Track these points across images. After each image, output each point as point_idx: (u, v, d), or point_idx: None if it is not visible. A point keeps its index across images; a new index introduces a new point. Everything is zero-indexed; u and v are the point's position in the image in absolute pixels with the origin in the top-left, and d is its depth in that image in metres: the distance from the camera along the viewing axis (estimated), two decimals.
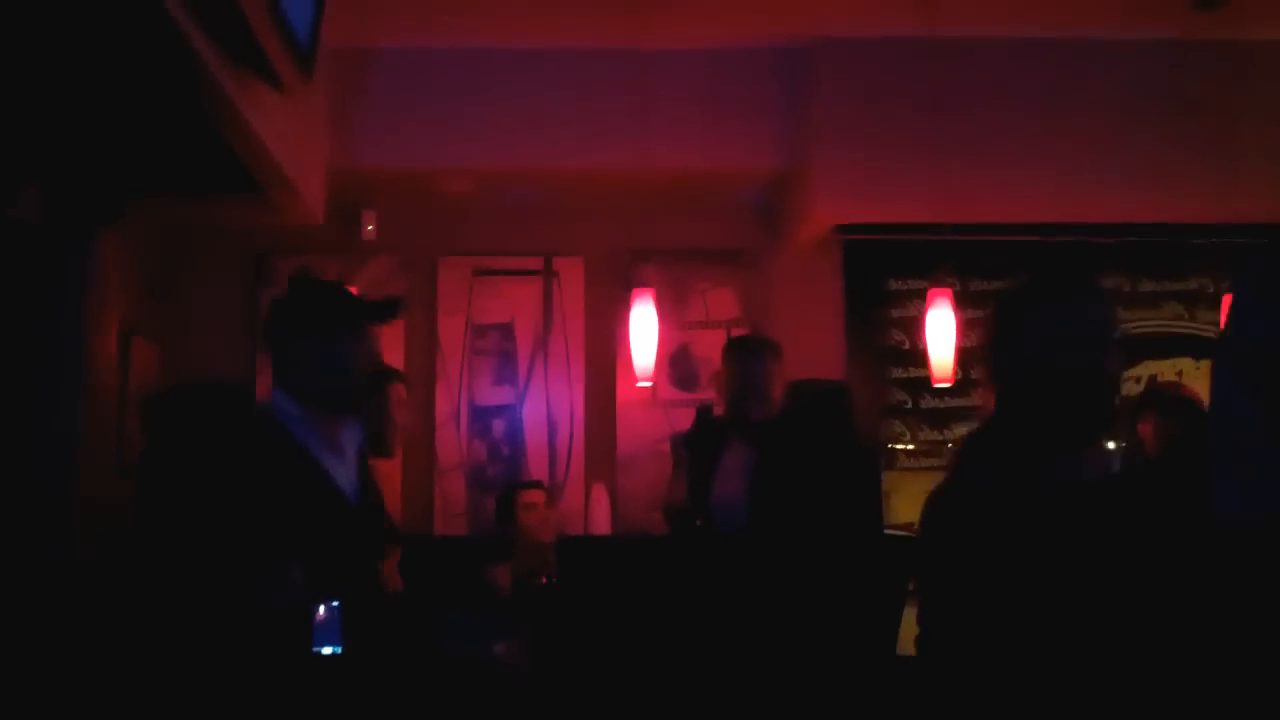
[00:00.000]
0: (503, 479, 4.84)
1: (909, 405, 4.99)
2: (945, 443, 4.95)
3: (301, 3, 3.28)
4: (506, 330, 5.08)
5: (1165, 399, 3.85)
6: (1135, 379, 4.88)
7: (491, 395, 5.04)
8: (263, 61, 3.15)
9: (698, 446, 3.58)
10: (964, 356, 4.31)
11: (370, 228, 4.94)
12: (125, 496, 4.14)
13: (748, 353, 3.76)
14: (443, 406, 5.02)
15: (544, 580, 3.76)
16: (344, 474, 2.39)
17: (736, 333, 4.91)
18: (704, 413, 3.60)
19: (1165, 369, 4.91)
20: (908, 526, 4.81)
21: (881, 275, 5.04)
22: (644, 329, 4.30)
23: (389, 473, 4.43)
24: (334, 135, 4.54)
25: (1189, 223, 4.57)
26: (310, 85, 3.49)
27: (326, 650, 2.05)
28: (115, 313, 3.50)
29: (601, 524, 4.78)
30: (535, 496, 4.32)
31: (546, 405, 5.04)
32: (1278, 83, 4.46)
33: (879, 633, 3.49)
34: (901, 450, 4.97)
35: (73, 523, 3.49)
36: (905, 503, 4.82)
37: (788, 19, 4.41)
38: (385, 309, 2.56)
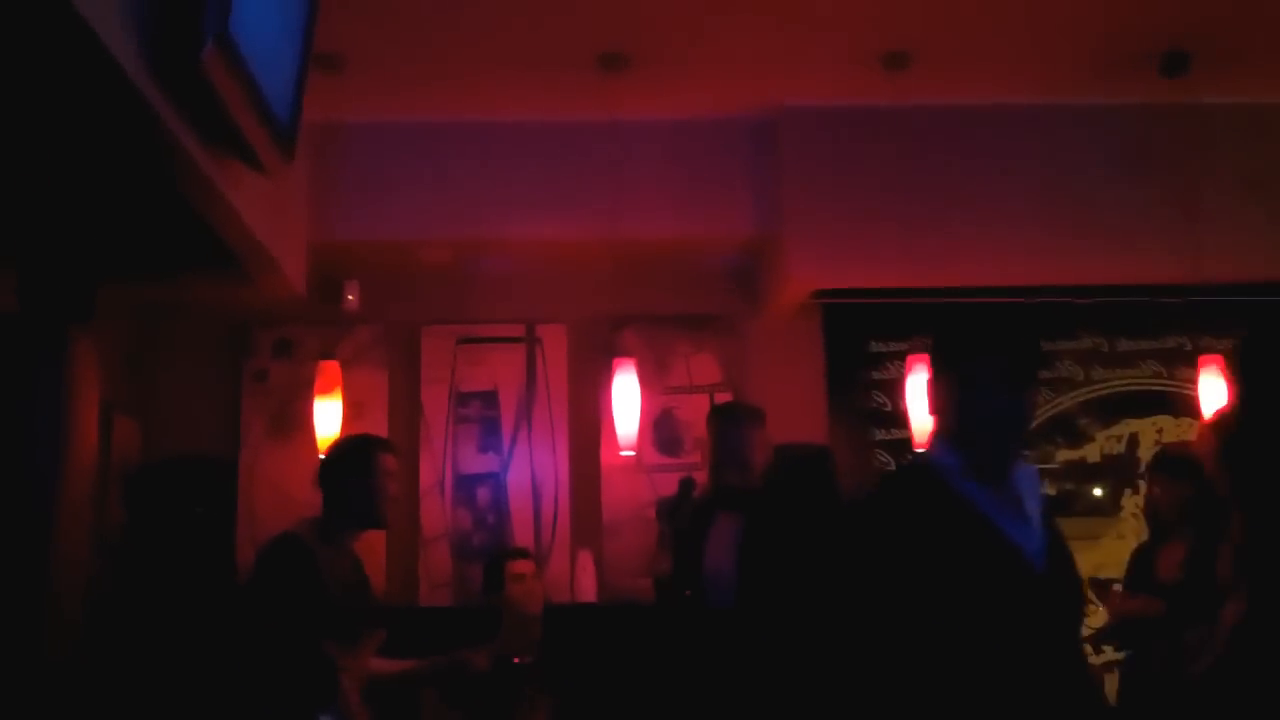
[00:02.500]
0: (488, 548, 4.79)
1: (892, 467, 4.99)
2: None
3: (282, 86, 3.31)
4: (490, 398, 5.08)
5: (1173, 462, 3.79)
6: (1117, 438, 4.92)
7: (476, 463, 5.02)
8: (244, 146, 3.18)
9: (681, 520, 3.58)
10: None
11: (352, 298, 4.92)
12: (101, 572, 4.13)
13: (729, 420, 3.80)
14: (427, 475, 5.00)
15: (527, 660, 3.71)
16: (1023, 529, 2.07)
17: (720, 397, 4.94)
18: (686, 486, 3.60)
19: (1145, 426, 4.94)
20: None
21: (862, 337, 5.05)
22: (626, 399, 4.31)
23: (373, 543, 4.40)
24: (313, 208, 4.57)
25: (1161, 283, 4.61)
26: (291, 162, 3.51)
27: None
28: (94, 393, 3.49)
29: (587, 591, 4.76)
30: (524, 567, 4.19)
31: (531, 472, 5.02)
32: (1241, 145, 4.55)
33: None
34: None
35: (49, 599, 3.45)
36: None
37: (757, 88, 4.47)
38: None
